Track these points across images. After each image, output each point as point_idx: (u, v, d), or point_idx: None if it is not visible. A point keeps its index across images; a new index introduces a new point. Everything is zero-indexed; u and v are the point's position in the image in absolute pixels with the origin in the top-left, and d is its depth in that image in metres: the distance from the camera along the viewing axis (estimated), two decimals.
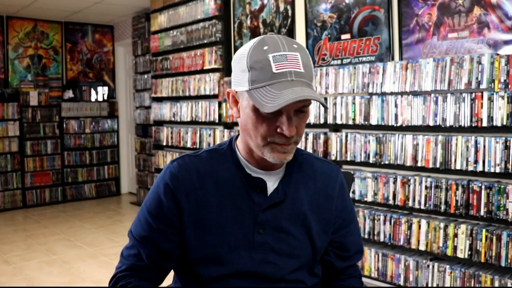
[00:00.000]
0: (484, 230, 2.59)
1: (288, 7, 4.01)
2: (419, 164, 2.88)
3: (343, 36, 3.57)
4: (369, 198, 3.14)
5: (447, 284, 2.74)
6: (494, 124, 2.55)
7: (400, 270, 2.99)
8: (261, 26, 4.28)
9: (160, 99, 5.48)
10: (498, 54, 2.64)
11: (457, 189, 2.70)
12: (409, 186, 2.93)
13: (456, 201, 2.71)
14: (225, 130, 4.43)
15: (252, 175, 1.14)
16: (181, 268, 1.18)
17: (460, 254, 2.68)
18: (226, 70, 4.58)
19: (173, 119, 5.16)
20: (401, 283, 2.99)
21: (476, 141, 2.63)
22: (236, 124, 4.36)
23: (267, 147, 1.06)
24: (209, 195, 1.12)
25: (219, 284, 1.11)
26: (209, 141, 4.60)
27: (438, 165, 2.79)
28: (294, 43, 1.05)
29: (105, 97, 6.99)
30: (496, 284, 2.54)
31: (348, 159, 3.27)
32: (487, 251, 2.57)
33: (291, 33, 3.97)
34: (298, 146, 1.18)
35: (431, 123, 2.83)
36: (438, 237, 2.78)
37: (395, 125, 3.01)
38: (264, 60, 1.01)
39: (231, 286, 1.12)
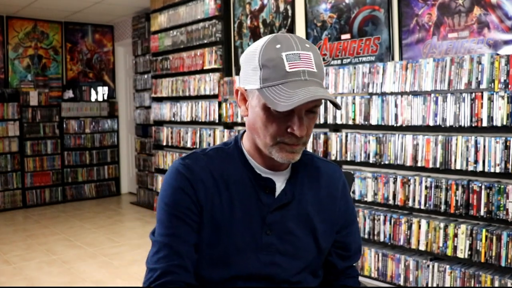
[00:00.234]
0: (484, 230, 2.59)
1: (288, 7, 4.01)
2: (419, 164, 2.88)
3: (343, 36, 3.57)
4: (369, 198, 3.14)
5: (447, 284, 2.74)
6: (494, 124, 2.55)
7: (400, 270, 2.99)
8: (261, 26, 4.27)
9: (160, 99, 5.48)
10: (498, 54, 2.64)
11: (457, 189, 2.70)
12: (409, 186, 2.93)
13: (456, 201, 2.71)
14: (225, 130, 4.43)
15: (262, 175, 1.12)
16: None
17: (460, 254, 2.68)
18: (226, 70, 4.58)
19: (173, 119, 5.16)
20: (401, 283, 2.98)
21: (476, 141, 2.63)
22: (236, 124, 4.36)
23: (276, 146, 1.04)
24: (221, 194, 1.10)
25: (225, 285, 1.09)
26: (209, 141, 4.60)
27: (438, 165, 2.79)
28: (307, 42, 1.04)
29: (105, 97, 6.99)
30: (496, 284, 2.54)
31: (348, 159, 3.27)
32: (487, 251, 2.57)
33: (291, 33, 3.96)
34: None
35: (431, 123, 2.83)
36: (438, 237, 2.78)
37: (395, 125, 3.01)
38: (277, 58, 0.99)
39: (237, 287, 1.10)
